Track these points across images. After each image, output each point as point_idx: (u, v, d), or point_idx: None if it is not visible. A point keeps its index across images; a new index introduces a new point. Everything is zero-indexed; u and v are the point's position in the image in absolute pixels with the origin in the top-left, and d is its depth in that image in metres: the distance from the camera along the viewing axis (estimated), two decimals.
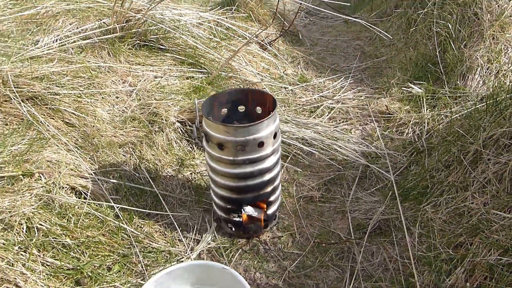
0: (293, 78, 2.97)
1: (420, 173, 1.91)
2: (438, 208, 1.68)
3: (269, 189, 1.70)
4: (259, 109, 1.76)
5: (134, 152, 2.08)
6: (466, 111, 2.09)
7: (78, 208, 1.74)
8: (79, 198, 1.80)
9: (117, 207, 1.78)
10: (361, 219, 1.83)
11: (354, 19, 3.21)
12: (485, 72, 2.36)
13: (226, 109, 1.76)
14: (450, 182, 1.72)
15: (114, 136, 2.12)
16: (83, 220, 1.70)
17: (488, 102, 1.91)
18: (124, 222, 1.74)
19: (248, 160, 1.57)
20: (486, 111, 1.89)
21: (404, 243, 1.65)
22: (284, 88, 2.82)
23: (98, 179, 1.89)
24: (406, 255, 1.60)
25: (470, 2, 2.64)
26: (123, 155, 2.08)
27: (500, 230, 1.42)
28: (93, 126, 2.12)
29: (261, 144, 1.56)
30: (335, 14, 3.72)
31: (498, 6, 2.56)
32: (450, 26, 2.67)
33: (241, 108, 1.78)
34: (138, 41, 2.55)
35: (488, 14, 2.52)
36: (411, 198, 1.81)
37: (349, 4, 4.57)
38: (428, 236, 1.61)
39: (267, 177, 1.65)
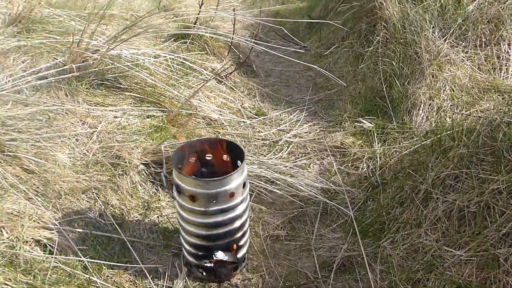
0: (250, 112, 3.07)
1: (377, 209, 2.06)
2: (395, 245, 1.82)
3: (239, 234, 1.76)
4: (225, 157, 1.82)
5: (99, 198, 2.06)
6: (413, 147, 2.28)
7: (45, 262, 1.69)
8: (44, 251, 1.75)
9: (85, 259, 1.75)
10: (326, 257, 1.93)
11: (303, 62, 3.37)
12: (428, 108, 2.59)
13: (194, 158, 1.80)
14: (405, 219, 1.87)
15: (77, 181, 2.08)
16: (50, 275, 1.66)
17: (433, 140, 2.11)
18: (93, 274, 1.72)
19: (220, 210, 1.63)
20: (431, 148, 2.08)
21: (367, 279, 1.77)
22: (243, 122, 2.90)
23: (63, 229, 1.85)
24: None
25: (411, 42, 2.88)
26: (87, 201, 2.04)
27: (452, 267, 1.57)
28: (54, 172, 2.06)
29: (231, 195, 1.62)
30: (285, 42, 3.88)
31: (435, 46, 2.83)
32: (394, 64, 2.90)
33: (209, 156, 1.84)
34: (96, 80, 2.52)
35: (427, 54, 2.77)
36: (370, 235, 1.95)
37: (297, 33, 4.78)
38: (388, 272, 1.74)
39: (237, 223, 1.71)
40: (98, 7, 3.51)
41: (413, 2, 3.08)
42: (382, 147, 2.51)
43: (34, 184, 2.00)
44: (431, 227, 1.78)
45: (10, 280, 1.58)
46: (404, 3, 3.08)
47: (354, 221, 2.03)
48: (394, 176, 2.17)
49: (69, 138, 2.25)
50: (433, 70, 2.73)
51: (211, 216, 1.63)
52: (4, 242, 1.67)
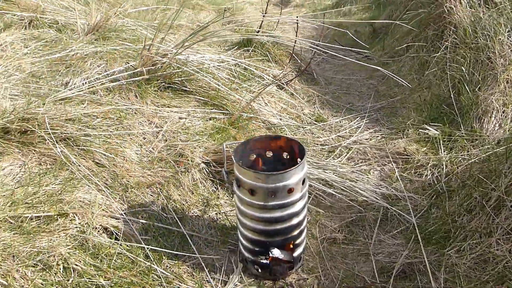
0: (310, 118, 3.06)
1: (441, 217, 1.95)
2: (462, 253, 1.72)
3: (296, 232, 1.75)
4: (286, 155, 1.83)
5: (162, 192, 2.15)
6: (484, 155, 2.15)
7: (111, 248, 1.79)
8: (111, 238, 1.86)
9: (147, 248, 1.83)
10: (385, 262, 1.86)
11: (366, 63, 3.33)
12: (501, 116, 2.44)
13: (255, 155, 1.83)
14: (473, 227, 1.76)
15: (142, 176, 2.19)
16: (115, 260, 1.75)
17: (507, 147, 1.97)
18: (154, 263, 1.79)
19: (278, 205, 1.63)
20: (506, 156, 1.94)
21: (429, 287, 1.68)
22: (302, 128, 2.90)
23: (129, 220, 1.95)
24: None
25: (483, 47, 2.74)
26: (151, 195, 2.14)
27: None
28: (122, 167, 2.19)
29: (290, 190, 1.62)
30: (346, 57, 3.84)
31: (511, 50, 2.66)
32: (463, 69, 2.77)
33: (269, 154, 1.86)
34: (163, 83, 2.66)
35: (502, 59, 2.62)
36: (434, 242, 1.85)
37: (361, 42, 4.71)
38: (453, 282, 1.64)
39: (295, 221, 1.71)
40: (167, 18, 3.73)
41: (486, 5, 2.93)
42: (449, 154, 2.39)
43: (104, 177, 2.14)
44: (504, 236, 1.65)
45: (80, 261, 1.69)
46: (476, 7, 2.94)
47: (416, 228, 1.94)
48: (462, 184, 2.06)
49: (137, 136, 2.38)
50: (507, 75, 2.57)
51: (270, 211, 1.64)
52: (76, 227, 1.80)
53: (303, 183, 1.66)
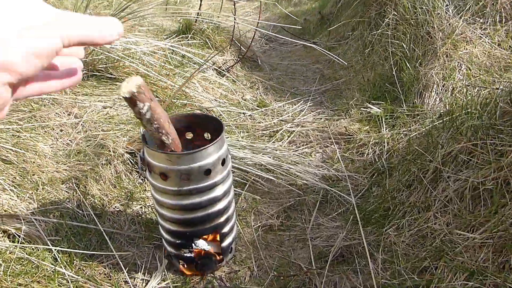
0: (252, 104, 2.90)
1: (381, 195, 1.83)
2: (401, 231, 1.59)
3: (221, 219, 1.57)
4: (207, 135, 1.66)
5: (78, 188, 1.92)
6: (424, 129, 2.05)
7: (10, 253, 1.56)
8: (12, 242, 1.62)
9: (55, 249, 1.61)
10: (323, 247, 1.72)
11: (312, 44, 3.21)
12: (441, 90, 2.35)
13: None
14: (412, 202, 1.64)
15: (57, 172, 1.96)
16: (14, 266, 1.52)
17: (445, 119, 1.87)
18: (62, 266, 1.57)
19: (195, 190, 1.45)
20: (443, 128, 1.85)
21: (367, 270, 1.54)
22: (243, 114, 2.73)
23: (35, 219, 1.72)
24: (370, 283, 1.49)
25: (422, 22, 2.67)
26: (66, 191, 1.91)
27: (465, 252, 1.33)
28: (33, 162, 1.95)
29: (207, 172, 1.44)
30: (294, 40, 3.73)
31: (449, 24, 2.60)
32: (404, 46, 2.69)
33: (189, 135, 1.67)
34: (85, 71, 2.43)
35: (440, 33, 2.55)
36: (373, 222, 1.72)
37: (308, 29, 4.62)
38: (392, 262, 1.51)
39: (218, 207, 1.53)
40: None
41: None
42: (391, 132, 2.28)
43: (11, 175, 1.89)
44: (441, 209, 1.54)
45: None
46: None
47: (356, 208, 1.81)
48: (402, 160, 1.95)
49: (53, 129, 2.14)
50: (446, 49, 2.50)
51: (186, 196, 1.46)
52: None
53: (223, 164, 1.49)
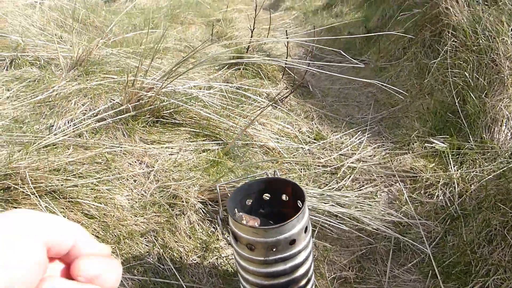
0: (308, 136, 2.92)
1: (459, 246, 1.80)
2: None
3: (303, 282, 1.61)
4: (284, 197, 1.69)
5: (157, 241, 2.01)
6: (499, 171, 2.00)
7: None
8: None
9: None
10: None
11: (363, 79, 3.18)
12: None
13: (251, 200, 1.69)
14: (496, 260, 1.61)
15: (135, 225, 2.06)
16: None
17: None
18: None
19: (280, 259, 1.49)
20: None
21: None
22: (301, 148, 2.75)
23: (123, 278, 1.82)
24: None
25: (486, 48, 2.59)
26: (146, 244, 2.01)
27: None
28: (113, 216, 2.06)
29: (292, 242, 1.48)
30: (341, 57, 3.71)
31: None
32: (466, 74, 2.62)
33: (266, 196, 1.72)
34: (151, 118, 2.53)
35: (507, 60, 2.46)
36: (454, 278, 1.70)
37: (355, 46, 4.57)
38: None
39: (300, 271, 1.57)
40: (152, 42, 3.59)
41: (485, 3, 2.77)
42: (459, 170, 2.24)
43: (95, 229, 2.00)
44: None
45: None
46: (475, 5, 2.79)
47: (432, 260, 1.80)
48: (478, 206, 1.91)
49: (127, 179, 2.25)
50: None
51: (271, 265, 1.50)
52: None
53: (305, 231, 1.52)
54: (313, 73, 4.02)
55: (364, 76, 3.75)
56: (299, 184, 1.61)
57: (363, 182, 2.44)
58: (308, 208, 2.13)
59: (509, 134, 2.27)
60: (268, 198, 1.72)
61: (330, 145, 2.82)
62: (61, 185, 2.05)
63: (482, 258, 1.67)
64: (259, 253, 1.48)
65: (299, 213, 1.46)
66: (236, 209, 1.62)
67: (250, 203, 1.70)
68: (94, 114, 2.50)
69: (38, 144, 2.29)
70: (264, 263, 1.50)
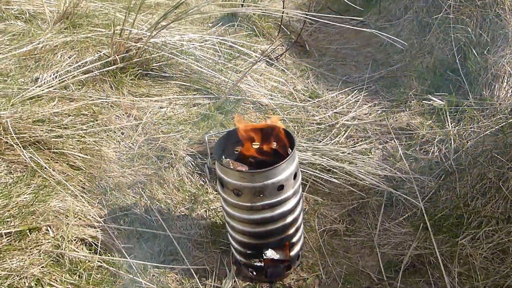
0: (303, 94, 2.84)
1: (452, 200, 1.76)
2: (477, 243, 1.54)
3: (291, 231, 1.57)
4: (274, 145, 1.63)
5: (144, 192, 1.97)
6: (497, 126, 1.94)
7: (89, 262, 1.63)
8: (89, 250, 1.70)
9: (130, 259, 1.67)
10: (392, 255, 1.69)
11: (361, 29, 3.05)
12: None
13: (239, 148, 1.63)
14: (489, 212, 1.57)
15: (122, 176, 2.01)
16: (95, 275, 1.59)
17: None
18: (138, 275, 1.63)
19: (267, 205, 1.45)
20: None
21: (442, 284, 1.51)
22: (296, 106, 2.68)
23: (108, 227, 1.78)
24: None
25: (491, 3, 2.47)
26: (133, 196, 1.97)
27: None
28: (100, 167, 2.01)
29: (280, 188, 1.43)
30: (341, 18, 3.57)
31: None
32: (469, 30, 2.51)
33: (256, 144, 1.66)
34: (140, 71, 2.44)
35: None
36: (445, 230, 1.67)
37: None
38: (469, 276, 1.47)
39: (289, 219, 1.53)
40: None
41: None
42: (457, 127, 2.17)
43: (80, 181, 1.96)
44: None
45: (56, 280, 1.53)
46: None
47: (424, 213, 1.76)
48: (473, 161, 1.86)
49: (114, 132, 2.19)
50: None
51: (258, 211, 1.46)
52: (49, 242, 1.63)
53: (294, 178, 1.47)
54: (310, 34, 3.90)
55: (364, 36, 3.63)
56: (288, 130, 1.55)
57: (357, 139, 2.39)
58: (301, 162, 2.09)
59: (510, 91, 2.20)
60: (257, 146, 1.66)
61: (325, 103, 2.75)
62: (46, 135, 1.99)
63: (475, 211, 1.63)
64: (245, 199, 1.44)
65: (287, 158, 1.40)
66: (223, 157, 1.57)
67: (238, 151, 1.65)
68: (81, 66, 2.41)
69: (22, 96, 2.21)
70: (250, 209, 1.46)
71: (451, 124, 2.21)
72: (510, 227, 1.47)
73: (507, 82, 2.19)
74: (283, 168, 1.40)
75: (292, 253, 1.64)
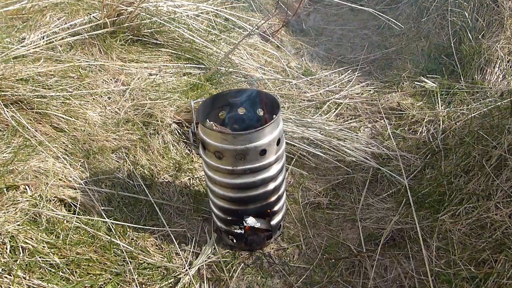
0: (297, 71, 2.81)
1: (436, 178, 1.76)
2: (457, 219, 1.53)
3: (273, 198, 1.56)
4: (260, 111, 1.61)
5: (128, 158, 1.95)
6: (485, 108, 1.92)
7: (67, 222, 1.61)
8: (68, 211, 1.67)
9: (109, 220, 1.65)
10: (373, 229, 1.69)
11: (360, 7, 3.02)
12: (506, 66, 2.19)
13: (224, 112, 1.61)
14: (471, 189, 1.57)
15: (106, 141, 1.98)
16: (72, 235, 1.57)
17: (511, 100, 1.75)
18: (116, 237, 1.62)
19: (249, 170, 1.43)
20: (510, 109, 1.72)
21: (420, 257, 1.51)
22: (288, 82, 2.65)
23: (89, 189, 1.76)
24: (423, 270, 1.46)
25: None
26: (116, 161, 1.94)
27: None
28: (84, 131, 1.98)
29: (263, 152, 1.41)
30: (341, 1, 3.54)
31: None
32: (466, 15, 2.49)
33: (241, 111, 1.63)
34: (131, 36, 2.39)
35: (509, 1, 2.33)
36: (427, 206, 1.66)
37: None
38: (447, 250, 1.47)
39: (270, 186, 1.51)
40: None
41: None
42: (446, 109, 2.16)
43: (63, 143, 1.93)
44: (504, 199, 1.46)
45: (32, 239, 1.51)
46: None
47: (408, 190, 1.75)
48: (460, 141, 1.85)
49: (101, 96, 2.15)
50: None
51: (240, 176, 1.44)
52: (28, 200, 1.61)
53: (278, 144, 1.45)
54: (309, 13, 3.85)
55: (362, 19, 3.60)
56: (275, 97, 1.53)
57: (347, 117, 2.37)
58: (290, 136, 2.07)
59: (501, 75, 2.18)
60: (243, 113, 1.64)
61: (318, 81, 2.72)
62: (29, 94, 1.95)
63: (458, 188, 1.63)
64: (227, 162, 1.42)
65: (271, 121, 1.38)
66: (208, 120, 1.54)
67: (223, 116, 1.62)
68: (69, 28, 2.36)
69: (7, 54, 2.16)
70: (232, 173, 1.44)
71: (441, 106, 2.20)
72: (490, 203, 1.47)
73: (498, 67, 2.18)
74: (266, 132, 1.38)
75: (273, 222, 1.62)
